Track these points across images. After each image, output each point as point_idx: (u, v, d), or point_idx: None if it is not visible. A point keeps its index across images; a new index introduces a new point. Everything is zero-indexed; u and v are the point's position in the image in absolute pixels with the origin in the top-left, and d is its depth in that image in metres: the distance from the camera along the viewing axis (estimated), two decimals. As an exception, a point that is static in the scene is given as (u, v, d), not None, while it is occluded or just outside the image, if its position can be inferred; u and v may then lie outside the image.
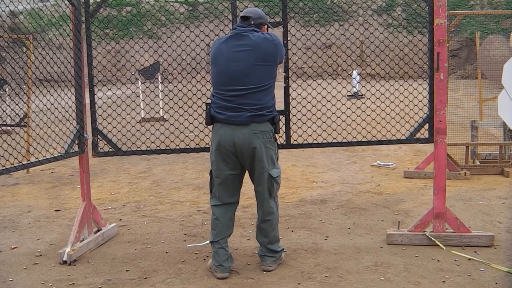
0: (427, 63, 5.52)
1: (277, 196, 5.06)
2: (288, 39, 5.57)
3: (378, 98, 5.90)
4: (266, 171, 4.76)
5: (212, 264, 4.94)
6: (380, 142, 5.73)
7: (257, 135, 4.66)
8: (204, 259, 5.26)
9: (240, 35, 4.76)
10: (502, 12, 14.21)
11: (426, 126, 5.57)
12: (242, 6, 6.21)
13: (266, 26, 4.99)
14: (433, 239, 5.43)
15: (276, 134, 4.88)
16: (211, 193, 5.05)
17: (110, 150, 5.85)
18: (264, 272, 4.91)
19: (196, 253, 5.43)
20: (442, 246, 5.36)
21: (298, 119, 5.63)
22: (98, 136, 5.78)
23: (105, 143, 5.82)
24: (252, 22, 4.84)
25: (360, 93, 10.26)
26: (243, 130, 4.64)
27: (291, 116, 5.64)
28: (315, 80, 5.94)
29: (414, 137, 5.64)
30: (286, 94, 5.62)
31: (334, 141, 5.73)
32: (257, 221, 5.07)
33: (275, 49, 4.75)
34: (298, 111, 5.69)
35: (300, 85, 5.85)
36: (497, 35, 7.98)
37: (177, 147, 5.86)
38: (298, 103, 5.67)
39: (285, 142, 5.69)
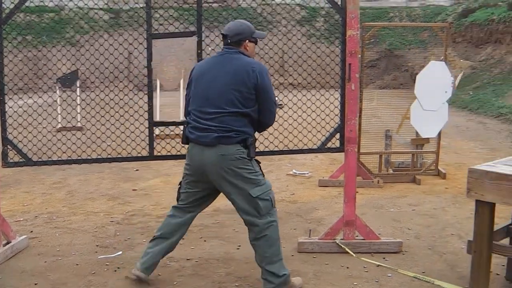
0: (339, 73, 5.61)
1: (275, 211, 4.71)
2: (212, 48, 5.55)
3: (296, 108, 5.96)
4: (244, 193, 4.50)
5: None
6: (292, 152, 5.80)
7: (224, 157, 4.43)
8: (115, 271, 5.17)
9: (221, 57, 4.65)
10: (418, 25, 14.61)
11: (338, 135, 5.66)
12: (157, 15, 6.14)
13: (247, 41, 4.71)
14: (343, 246, 5.50)
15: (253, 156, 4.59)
16: (177, 202, 4.90)
17: (21, 160, 5.70)
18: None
19: (107, 265, 5.32)
20: (352, 253, 5.44)
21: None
22: (8, 146, 5.62)
23: (15, 153, 5.67)
24: (229, 41, 4.66)
25: (280, 103, 10.31)
26: (210, 151, 4.45)
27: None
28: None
29: (326, 147, 5.72)
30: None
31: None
32: (252, 243, 4.71)
33: (251, 75, 4.46)
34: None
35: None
36: (439, 61, 8.15)
37: (89, 157, 5.77)
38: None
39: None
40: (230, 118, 4.44)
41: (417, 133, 8.67)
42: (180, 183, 4.85)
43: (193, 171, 4.63)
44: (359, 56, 5.51)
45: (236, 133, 4.44)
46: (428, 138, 8.80)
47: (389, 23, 24.93)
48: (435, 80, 7.79)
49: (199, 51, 5.47)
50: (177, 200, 4.88)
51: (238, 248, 5.74)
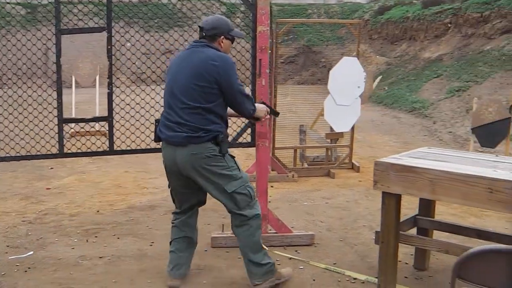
0: (250, 69, 5.62)
1: (255, 202, 4.64)
2: (124, 44, 5.48)
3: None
4: (220, 188, 4.47)
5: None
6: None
7: (196, 156, 4.36)
8: (26, 271, 5.02)
9: (189, 51, 4.54)
10: (332, 21, 14.79)
11: (249, 130, 5.68)
12: (66, 10, 6.00)
13: (222, 37, 4.59)
14: (256, 240, 5.53)
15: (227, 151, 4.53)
16: (174, 205, 4.94)
17: None
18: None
19: (17, 265, 5.17)
20: (265, 247, 5.42)
21: (132, 125, 5.56)
22: None
23: None
24: (204, 34, 4.55)
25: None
26: (182, 151, 4.38)
27: (126, 122, 5.55)
28: (158, 85, 5.87)
29: (237, 142, 5.73)
30: (110, 101, 5.54)
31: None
32: (232, 226, 4.74)
33: (211, 69, 4.34)
34: (132, 116, 5.63)
35: (143, 90, 5.79)
36: (352, 57, 8.27)
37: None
38: (136, 108, 5.59)
39: (108, 149, 5.61)
40: (194, 115, 4.35)
41: (331, 127, 8.81)
42: (169, 185, 4.81)
43: (169, 170, 4.58)
44: (269, 52, 5.50)
45: (204, 132, 4.35)
46: (342, 133, 8.95)
47: (303, 19, 25.17)
48: (348, 75, 7.93)
49: (109, 47, 5.39)
50: (174, 202, 4.91)
51: (151, 245, 5.70)
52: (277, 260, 5.21)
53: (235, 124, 5.89)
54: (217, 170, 4.42)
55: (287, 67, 24.19)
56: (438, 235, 5.45)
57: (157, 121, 4.65)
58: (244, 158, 9.89)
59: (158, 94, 5.62)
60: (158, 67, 6.25)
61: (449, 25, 19.77)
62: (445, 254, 4.45)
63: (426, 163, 4.27)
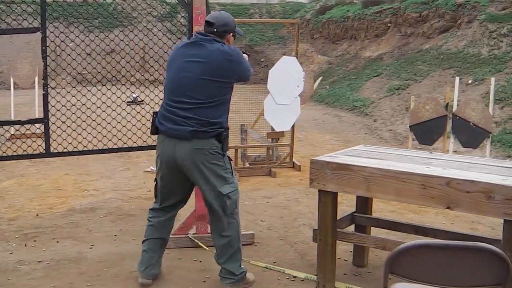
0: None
1: (237, 212, 4.66)
2: (77, 45, 5.37)
3: (154, 104, 5.91)
4: (214, 189, 4.40)
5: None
6: (140, 148, 5.75)
7: (199, 152, 4.28)
8: None
9: (196, 44, 4.40)
10: (270, 21, 14.87)
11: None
12: (20, 9, 5.87)
13: (231, 34, 4.58)
14: (196, 240, 5.53)
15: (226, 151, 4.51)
16: (155, 200, 4.81)
17: None
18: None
19: None
20: (205, 247, 5.47)
21: (68, 126, 5.48)
22: None
23: None
24: (215, 30, 4.44)
25: (139, 99, 10.18)
26: (184, 145, 4.28)
27: (63, 123, 5.46)
28: (95, 86, 5.81)
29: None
30: (45, 102, 5.45)
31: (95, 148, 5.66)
32: (213, 240, 4.70)
33: (228, 65, 4.32)
34: (67, 118, 5.54)
35: (79, 91, 5.71)
36: (291, 56, 8.30)
37: None
38: (77, 109, 5.51)
39: (45, 151, 5.51)
40: (206, 109, 4.27)
41: (272, 127, 8.85)
42: (155, 180, 4.70)
43: (165, 163, 4.46)
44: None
45: (211, 127, 4.28)
46: (283, 132, 9.00)
47: (241, 19, 25.23)
48: (287, 75, 7.96)
49: (43, 48, 5.30)
50: (155, 197, 4.79)
51: (91, 248, 5.64)
52: (217, 260, 5.22)
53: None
54: (216, 169, 4.38)
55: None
56: (377, 231, 5.53)
57: (155, 113, 4.52)
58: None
59: (104, 94, 5.57)
60: (104, 68, 6.19)
61: (389, 24, 20.09)
62: (383, 251, 4.52)
63: (361, 160, 4.34)
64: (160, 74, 6.00)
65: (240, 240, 4.68)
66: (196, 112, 4.26)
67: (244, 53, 4.71)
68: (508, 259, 2.66)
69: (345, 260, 5.31)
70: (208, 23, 4.49)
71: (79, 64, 6.19)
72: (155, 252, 4.78)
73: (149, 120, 5.73)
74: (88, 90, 5.69)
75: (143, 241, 4.82)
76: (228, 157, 4.51)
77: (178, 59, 4.43)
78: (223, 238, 4.56)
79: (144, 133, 5.76)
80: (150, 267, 4.74)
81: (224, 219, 4.51)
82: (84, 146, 5.91)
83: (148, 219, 4.83)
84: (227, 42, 4.50)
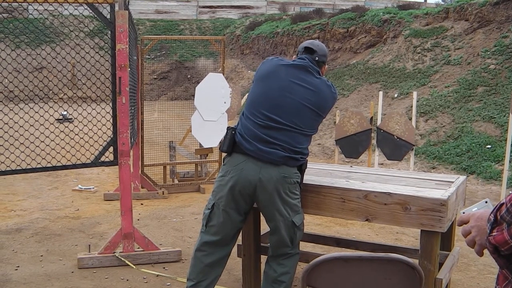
0: (110, 87, 5.59)
1: (299, 244, 4.28)
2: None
3: (87, 122, 5.85)
4: (289, 220, 4.01)
5: None
6: (65, 167, 5.68)
7: (285, 179, 3.93)
8: None
9: (305, 69, 4.10)
10: (195, 38, 14.96)
11: (111, 149, 5.64)
12: None
13: (325, 66, 4.36)
14: (123, 259, 5.49)
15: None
16: (205, 227, 4.17)
17: None
18: None
19: None
20: (132, 265, 5.45)
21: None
22: None
23: None
24: (317, 58, 4.18)
25: (69, 117, 10.08)
26: (271, 169, 3.90)
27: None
28: (27, 104, 5.69)
29: (100, 160, 5.68)
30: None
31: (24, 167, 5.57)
32: (266, 276, 4.23)
33: (331, 102, 4.15)
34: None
35: (12, 109, 5.61)
36: (217, 73, 8.32)
37: None
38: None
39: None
40: (299, 137, 3.99)
41: (200, 143, 8.88)
42: (212, 207, 4.13)
43: (240, 191, 3.97)
44: (129, 69, 5.48)
45: (302, 156, 4.02)
46: (211, 148, 9.03)
47: (167, 36, 25.22)
48: (214, 91, 8.01)
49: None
50: (206, 225, 4.17)
51: (16, 269, 5.52)
52: (144, 278, 5.20)
53: (96, 143, 5.84)
54: (294, 200, 4.04)
55: (160, 83, 24.13)
56: (303, 245, 5.61)
57: (231, 128, 4.08)
58: (114, 177, 9.76)
59: (27, 113, 5.48)
60: (31, 81, 6.08)
61: (317, 40, 20.37)
62: (306, 263, 4.58)
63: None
64: (93, 92, 5.96)
65: (292, 280, 4.29)
66: (288, 137, 3.96)
67: None
68: (420, 269, 2.75)
69: (272, 274, 5.36)
70: (309, 50, 4.22)
71: (5, 78, 6.09)
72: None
73: (82, 138, 5.71)
74: (10, 109, 5.57)
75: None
76: (300, 186, 4.15)
77: (282, 75, 4.08)
78: (281, 267, 4.16)
79: (68, 152, 5.69)
80: None
81: (289, 250, 4.14)
82: (7, 166, 5.80)
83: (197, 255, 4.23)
84: (322, 73, 4.27)
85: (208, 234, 4.14)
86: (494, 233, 1.76)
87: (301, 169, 4.07)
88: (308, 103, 3.99)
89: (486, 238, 1.80)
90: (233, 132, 4.04)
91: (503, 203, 1.76)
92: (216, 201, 4.09)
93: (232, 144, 4.00)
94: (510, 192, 1.87)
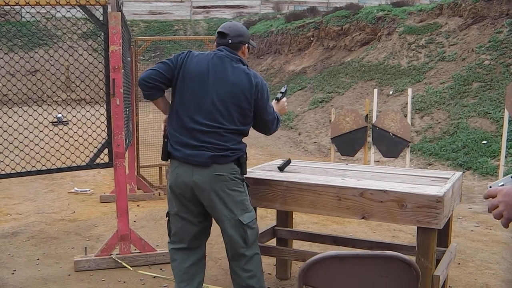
0: (104, 89, 5.57)
1: (257, 244, 4.13)
2: None
3: (81, 124, 5.85)
4: (234, 218, 3.93)
5: None
6: (60, 170, 5.66)
7: (218, 178, 3.86)
8: None
9: (221, 62, 3.96)
10: (185, 38, 14.96)
11: (106, 151, 5.63)
12: None
13: (246, 45, 4.14)
14: (119, 261, 5.48)
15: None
16: (169, 237, 4.20)
17: None
18: None
19: None
20: (129, 267, 5.43)
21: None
22: None
23: None
24: (230, 41, 4.02)
25: (64, 119, 10.06)
26: (202, 171, 3.85)
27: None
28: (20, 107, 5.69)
29: (95, 163, 5.66)
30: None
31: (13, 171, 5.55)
32: (236, 284, 4.15)
33: (255, 92, 3.94)
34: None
35: (5, 113, 5.60)
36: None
37: None
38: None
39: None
40: (227, 135, 3.89)
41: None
42: (167, 215, 4.18)
43: (180, 193, 3.95)
44: (122, 71, 5.46)
45: (232, 151, 3.90)
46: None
47: (161, 37, 25.13)
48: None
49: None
50: (169, 235, 4.20)
51: (13, 273, 5.50)
52: (141, 280, 5.19)
53: (91, 145, 5.83)
54: (236, 197, 3.96)
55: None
56: (300, 244, 5.61)
57: (166, 137, 4.04)
58: (110, 179, 9.76)
59: (21, 116, 5.47)
60: (24, 84, 6.08)
61: (311, 38, 20.39)
62: (303, 262, 4.57)
63: (277, 175, 4.40)
64: (87, 94, 5.94)
65: (263, 272, 4.23)
66: (215, 137, 3.88)
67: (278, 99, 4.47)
68: (417, 266, 2.73)
69: (269, 274, 5.35)
70: (221, 34, 4.09)
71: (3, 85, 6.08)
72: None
73: (77, 140, 5.70)
74: (4, 113, 5.56)
75: None
76: (246, 183, 4.09)
77: (200, 73, 3.95)
78: (245, 272, 4.06)
79: (62, 154, 5.67)
80: None
81: (246, 252, 4.03)
82: (2, 170, 5.79)
83: (173, 266, 4.26)
84: (242, 54, 4.12)
85: (174, 243, 4.17)
86: None
87: (239, 162, 3.98)
88: (224, 97, 3.89)
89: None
90: (166, 140, 4.02)
91: None
92: (170, 209, 4.12)
93: (167, 152, 4.01)
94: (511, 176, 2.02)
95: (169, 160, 4.06)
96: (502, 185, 2.11)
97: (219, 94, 3.88)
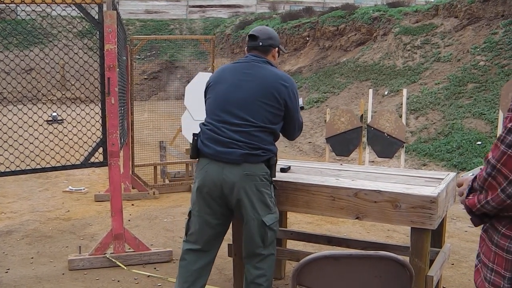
0: (99, 87, 5.56)
1: (275, 246, 4.13)
2: None
3: (76, 123, 5.85)
4: (258, 219, 3.92)
5: None
6: (54, 169, 5.65)
7: (248, 177, 3.86)
8: None
9: (250, 65, 4.05)
10: (181, 37, 14.94)
11: (101, 149, 5.62)
12: None
13: (276, 49, 4.20)
14: (113, 260, 5.48)
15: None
16: (185, 236, 4.17)
17: None
18: None
19: None
20: (123, 266, 5.43)
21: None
22: None
23: None
24: (260, 44, 4.09)
25: (59, 118, 10.03)
26: (233, 169, 3.85)
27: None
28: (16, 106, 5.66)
29: (89, 162, 5.66)
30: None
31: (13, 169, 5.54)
32: (245, 279, 4.14)
33: (285, 92, 3.97)
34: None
35: (0, 111, 5.58)
36: (207, 72, 8.32)
37: None
38: None
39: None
40: (258, 134, 3.90)
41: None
42: (189, 214, 4.14)
43: (207, 192, 3.94)
44: (117, 69, 5.46)
45: (263, 151, 3.90)
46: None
47: (156, 36, 25.15)
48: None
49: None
50: (186, 234, 4.17)
51: (6, 272, 5.50)
52: (135, 279, 5.19)
53: (86, 144, 5.82)
54: (264, 198, 3.95)
55: (151, 83, 24.07)
56: (294, 243, 5.61)
57: (195, 135, 4.04)
58: (105, 178, 9.70)
59: (15, 115, 5.45)
60: (19, 83, 6.05)
61: (307, 38, 20.40)
62: (297, 262, 4.57)
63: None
64: (82, 93, 5.94)
65: (272, 282, 4.20)
66: (246, 135, 3.89)
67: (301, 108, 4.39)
68: (411, 267, 2.74)
69: (264, 273, 5.35)
70: (252, 37, 4.14)
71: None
72: None
73: (71, 139, 5.69)
74: (3, 108, 5.55)
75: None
76: (274, 185, 4.09)
77: (226, 79, 4.05)
78: (256, 270, 4.06)
79: (57, 153, 5.66)
80: None
81: (262, 251, 4.03)
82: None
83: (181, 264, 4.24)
84: (271, 58, 4.17)
85: (189, 243, 4.14)
86: (470, 197, 2.19)
87: (269, 164, 3.98)
88: (255, 95, 3.93)
89: (463, 200, 2.23)
90: (196, 138, 4.03)
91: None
92: (192, 208, 4.10)
93: (196, 150, 4.01)
94: (481, 167, 2.08)
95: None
96: (472, 175, 2.23)
97: (248, 92, 3.94)
